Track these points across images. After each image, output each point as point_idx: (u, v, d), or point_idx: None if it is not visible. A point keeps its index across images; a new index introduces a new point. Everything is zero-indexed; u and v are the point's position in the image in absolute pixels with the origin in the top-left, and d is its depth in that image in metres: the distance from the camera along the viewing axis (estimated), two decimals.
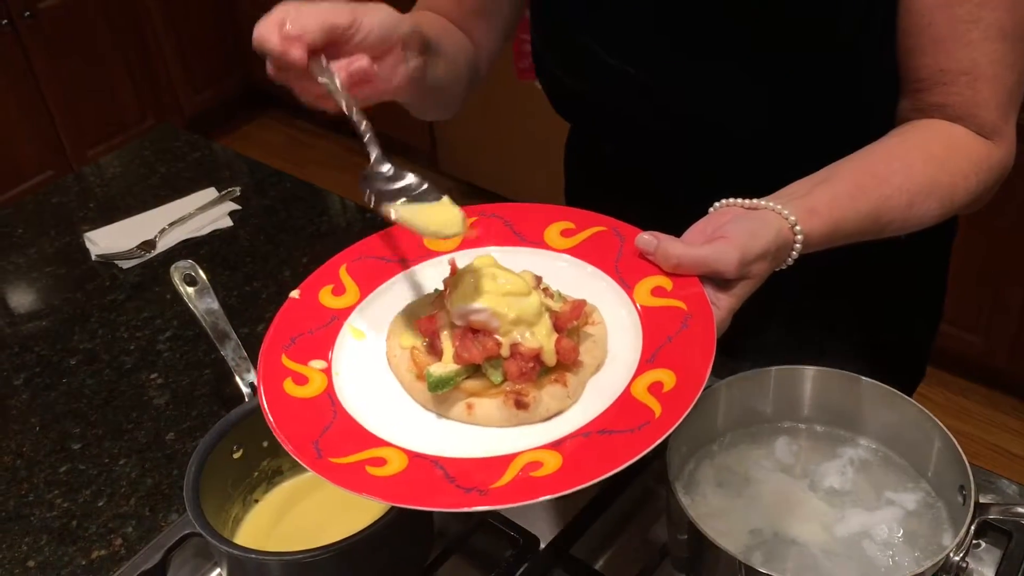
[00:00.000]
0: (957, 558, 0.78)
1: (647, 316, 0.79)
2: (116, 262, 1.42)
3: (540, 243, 0.89)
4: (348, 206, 1.54)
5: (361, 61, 0.81)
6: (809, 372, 0.92)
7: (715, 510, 0.88)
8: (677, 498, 0.81)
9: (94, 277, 1.40)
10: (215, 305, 1.08)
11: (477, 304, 0.75)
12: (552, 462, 0.69)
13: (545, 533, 0.95)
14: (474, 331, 0.76)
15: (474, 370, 0.76)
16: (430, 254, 0.90)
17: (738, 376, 0.91)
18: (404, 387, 0.79)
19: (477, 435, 0.75)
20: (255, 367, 0.99)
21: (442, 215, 0.80)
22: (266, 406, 0.75)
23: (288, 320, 0.83)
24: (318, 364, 0.80)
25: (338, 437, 0.73)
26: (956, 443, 0.84)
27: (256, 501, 0.97)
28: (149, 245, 1.44)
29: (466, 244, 0.89)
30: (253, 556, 0.83)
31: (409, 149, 3.31)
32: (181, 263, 1.10)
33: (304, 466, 0.70)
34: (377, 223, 0.87)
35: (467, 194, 3.29)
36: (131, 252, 1.43)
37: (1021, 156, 1.00)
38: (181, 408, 1.17)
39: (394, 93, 0.88)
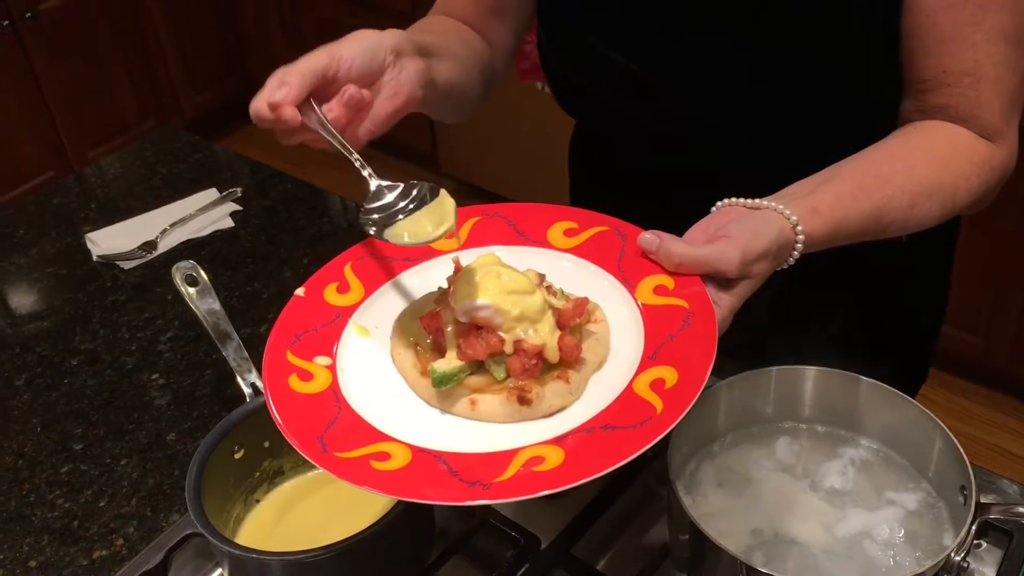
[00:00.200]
0: (958, 558, 0.78)
1: (649, 314, 0.79)
2: (117, 263, 1.42)
3: (543, 242, 0.89)
4: (349, 206, 1.54)
5: (350, 90, 0.82)
6: (810, 372, 0.92)
7: (716, 510, 0.88)
8: (678, 498, 0.81)
9: (95, 278, 1.40)
10: (216, 305, 1.08)
11: (481, 301, 0.76)
12: (554, 457, 0.69)
13: (546, 533, 0.94)
14: (478, 328, 0.76)
15: (478, 366, 0.77)
16: (434, 253, 0.90)
17: (739, 376, 0.91)
18: (408, 383, 0.80)
19: (480, 431, 0.75)
20: (256, 367, 0.99)
21: (435, 215, 0.81)
22: (271, 401, 0.75)
23: (293, 317, 0.84)
24: (323, 360, 0.80)
25: (342, 432, 0.73)
26: (957, 443, 0.84)
27: (257, 501, 0.97)
28: (150, 246, 1.44)
29: (470, 243, 0.90)
30: (254, 556, 0.83)
31: (410, 150, 3.31)
32: (182, 264, 1.10)
33: (307, 464, 0.70)
34: None
35: (468, 195, 3.29)
36: (132, 253, 1.43)
37: (1023, 158, 1.00)
38: (182, 408, 1.17)
39: (408, 102, 0.88)
